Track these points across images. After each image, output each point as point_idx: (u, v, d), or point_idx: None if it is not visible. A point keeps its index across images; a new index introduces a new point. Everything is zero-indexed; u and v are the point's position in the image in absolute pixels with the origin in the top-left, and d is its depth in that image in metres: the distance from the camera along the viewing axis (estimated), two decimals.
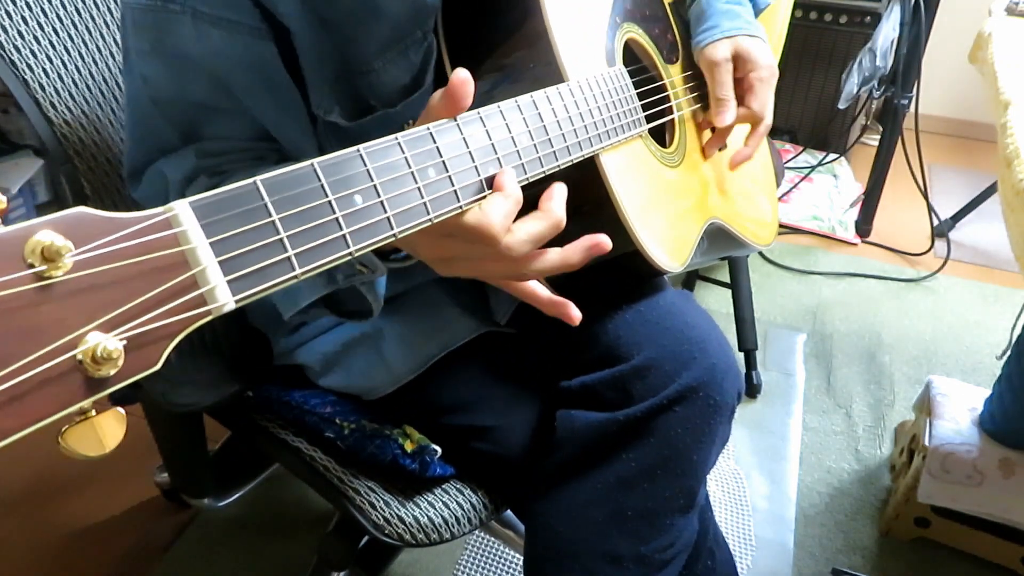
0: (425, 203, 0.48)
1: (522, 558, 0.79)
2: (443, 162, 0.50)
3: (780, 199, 2.40)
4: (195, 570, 1.25)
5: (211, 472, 1.07)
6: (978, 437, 1.25)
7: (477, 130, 0.53)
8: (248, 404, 0.89)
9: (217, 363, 0.82)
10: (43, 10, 0.78)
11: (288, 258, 0.39)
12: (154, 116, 0.67)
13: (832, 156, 2.51)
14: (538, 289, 0.61)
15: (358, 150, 0.44)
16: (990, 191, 2.24)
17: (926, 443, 1.26)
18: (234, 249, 0.36)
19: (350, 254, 0.42)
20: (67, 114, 0.80)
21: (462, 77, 0.50)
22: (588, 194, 0.68)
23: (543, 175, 0.59)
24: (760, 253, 2.18)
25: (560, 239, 0.60)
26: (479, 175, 0.52)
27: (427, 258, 0.58)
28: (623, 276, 0.78)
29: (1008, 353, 1.25)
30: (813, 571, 1.29)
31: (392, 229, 0.45)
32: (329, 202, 0.41)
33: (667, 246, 0.75)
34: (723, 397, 0.75)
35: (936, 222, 2.27)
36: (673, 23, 0.90)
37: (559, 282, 0.76)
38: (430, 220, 0.48)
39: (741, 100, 0.86)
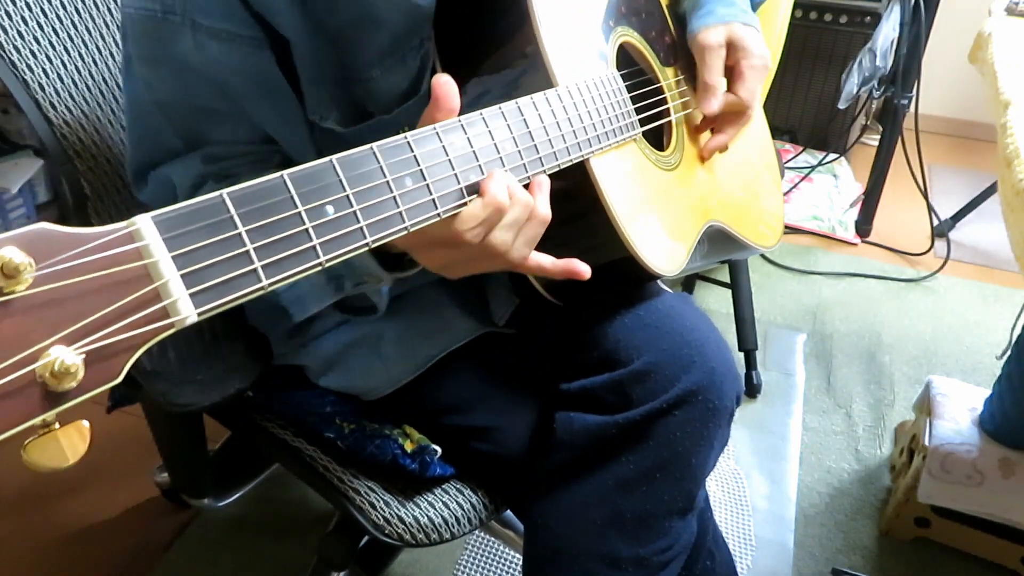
0: (401, 212, 0.48)
1: (522, 558, 0.79)
2: (421, 171, 0.49)
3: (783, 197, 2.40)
4: (195, 570, 1.25)
5: (211, 472, 1.08)
6: (978, 437, 1.25)
7: (458, 138, 0.53)
8: (248, 404, 0.89)
9: (217, 363, 0.82)
10: (43, 10, 0.78)
11: (255, 270, 0.39)
12: (156, 119, 0.67)
13: (832, 156, 2.51)
14: (543, 260, 0.61)
15: (330, 160, 0.44)
16: (990, 191, 2.24)
17: (926, 443, 1.26)
18: (197, 262, 0.37)
19: (320, 264, 0.42)
20: (67, 114, 0.80)
21: (442, 81, 0.51)
22: (580, 199, 0.68)
23: (528, 181, 0.59)
24: (760, 253, 2.18)
25: (556, 244, 0.62)
26: (459, 183, 0.52)
27: (430, 267, 0.59)
28: (621, 279, 0.77)
29: (1008, 353, 1.25)
30: (813, 571, 1.29)
31: (366, 238, 0.45)
32: (299, 213, 0.41)
33: (661, 249, 0.75)
34: (722, 401, 0.75)
35: (936, 222, 2.27)
36: (671, 25, 0.90)
37: (559, 285, 0.76)
38: (406, 229, 0.48)
39: (730, 88, 0.84)
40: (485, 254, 0.56)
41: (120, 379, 0.34)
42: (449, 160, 0.51)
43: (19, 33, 0.76)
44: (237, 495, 1.18)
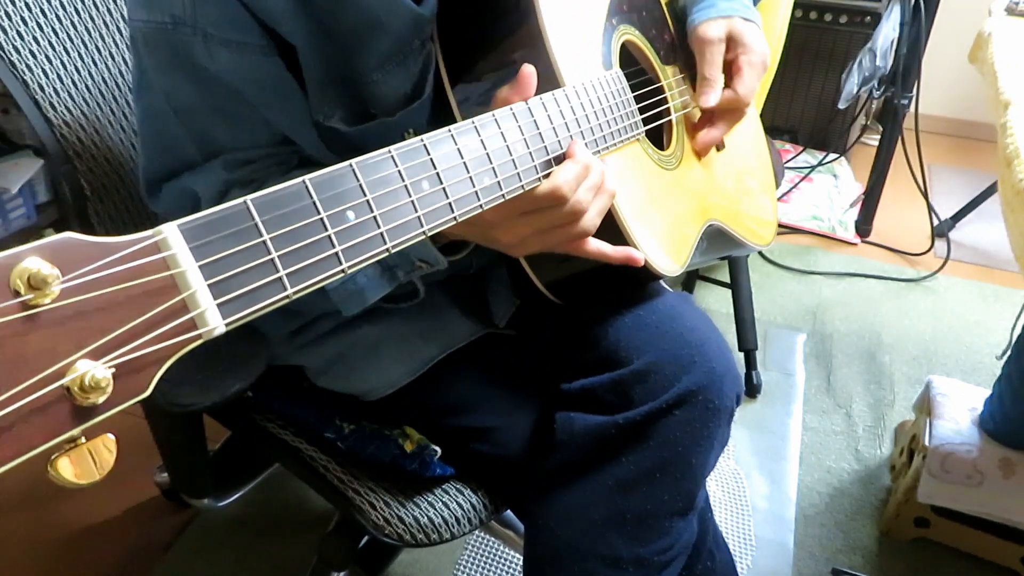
0: (419, 216, 0.47)
1: (522, 559, 0.79)
2: (437, 174, 0.49)
3: (780, 199, 2.40)
4: (195, 570, 1.25)
5: (211, 472, 1.07)
6: (978, 437, 1.25)
7: (472, 140, 0.53)
8: (248, 404, 0.89)
9: (217, 363, 0.82)
10: (43, 10, 0.78)
11: (280, 278, 0.39)
12: (175, 129, 0.67)
13: (832, 156, 2.51)
14: (603, 247, 0.65)
15: (350, 165, 0.44)
16: (990, 191, 2.24)
17: (926, 443, 1.26)
18: (224, 271, 0.36)
19: (343, 271, 0.42)
20: (67, 114, 0.80)
21: (528, 71, 0.57)
22: None
23: (539, 183, 0.59)
24: (760, 253, 2.18)
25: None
26: (474, 186, 0.52)
27: (505, 243, 0.62)
28: (622, 279, 0.78)
29: (1008, 353, 1.25)
30: (813, 571, 1.29)
31: (385, 244, 0.45)
32: (321, 219, 0.41)
33: (665, 250, 0.75)
34: (722, 401, 0.75)
35: (936, 222, 2.27)
36: (670, 23, 0.90)
37: (561, 284, 0.76)
38: (423, 233, 0.48)
39: (728, 83, 0.84)
40: (565, 220, 0.60)
41: (149, 392, 0.33)
42: (464, 163, 0.52)
43: (19, 33, 0.76)
44: (237, 495, 1.18)
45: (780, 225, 2.32)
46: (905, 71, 2.01)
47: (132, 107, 0.87)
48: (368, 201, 0.44)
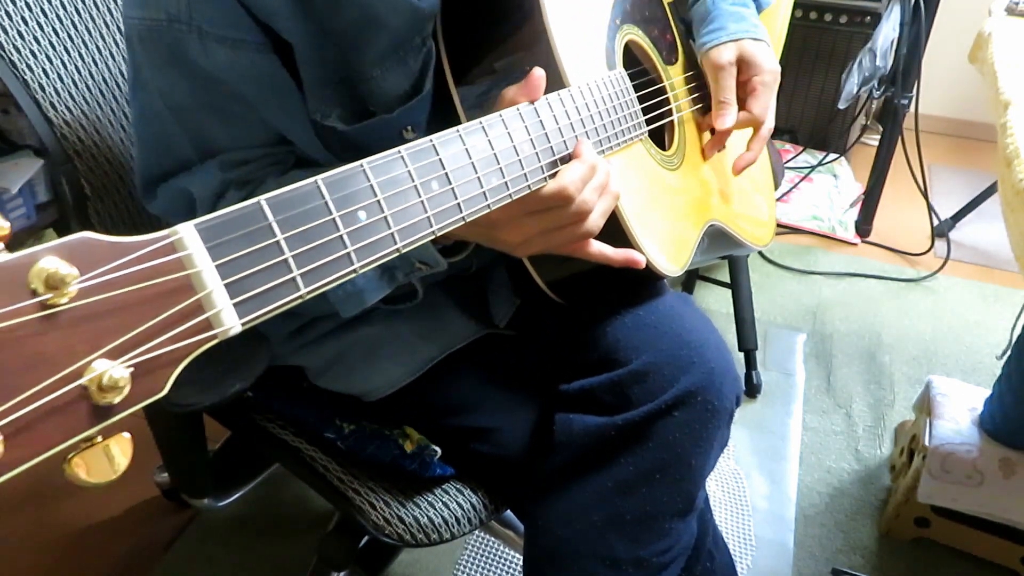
0: (429, 216, 0.48)
1: (522, 559, 0.79)
2: (446, 174, 0.49)
3: (780, 199, 2.40)
4: (195, 570, 1.25)
5: (211, 472, 1.07)
6: (978, 437, 1.25)
7: (480, 140, 0.53)
8: (248, 404, 0.89)
9: (216, 363, 0.82)
10: (43, 10, 0.78)
11: (293, 278, 0.39)
12: (170, 128, 0.67)
13: (832, 156, 2.51)
14: (605, 249, 0.66)
15: (361, 165, 0.44)
16: (990, 191, 2.24)
17: (926, 443, 1.26)
18: (240, 271, 0.36)
19: (354, 271, 0.42)
20: (67, 114, 0.80)
21: (538, 74, 0.58)
22: None
23: (545, 183, 0.59)
24: (760, 253, 2.18)
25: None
26: (482, 186, 0.52)
27: (510, 242, 0.62)
28: (622, 280, 0.78)
29: (1008, 353, 1.25)
30: (813, 571, 1.29)
31: (395, 244, 0.45)
32: (334, 219, 0.41)
33: (667, 250, 0.75)
34: (721, 402, 0.75)
35: (936, 222, 2.26)
36: (672, 23, 0.90)
37: (562, 283, 0.76)
38: (433, 233, 0.48)
39: (743, 104, 0.86)
40: (570, 220, 0.61)
41: (165, 392, 0.33)
42: (472, 163, 0.52)
43: (19, 33, 0.76)
44: (237, 495, 1.18)
45: (780, 225, 2.32)
46: (905, 71, 2.01)
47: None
48: (379, 201, 0.44)
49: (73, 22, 0.81)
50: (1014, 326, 1.28)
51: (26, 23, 0.76)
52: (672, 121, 0.85)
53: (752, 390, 1.67)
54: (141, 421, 0.96)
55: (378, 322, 0.81)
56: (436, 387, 0.81)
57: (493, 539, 1.30)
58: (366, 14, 0.63)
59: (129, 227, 0.85)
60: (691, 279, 1.91)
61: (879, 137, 2.20)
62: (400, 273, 0.70)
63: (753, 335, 1.67)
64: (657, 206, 0.76)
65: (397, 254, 0.45)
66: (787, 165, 2.49)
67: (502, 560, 1.27)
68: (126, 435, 0.33)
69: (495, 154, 0.54)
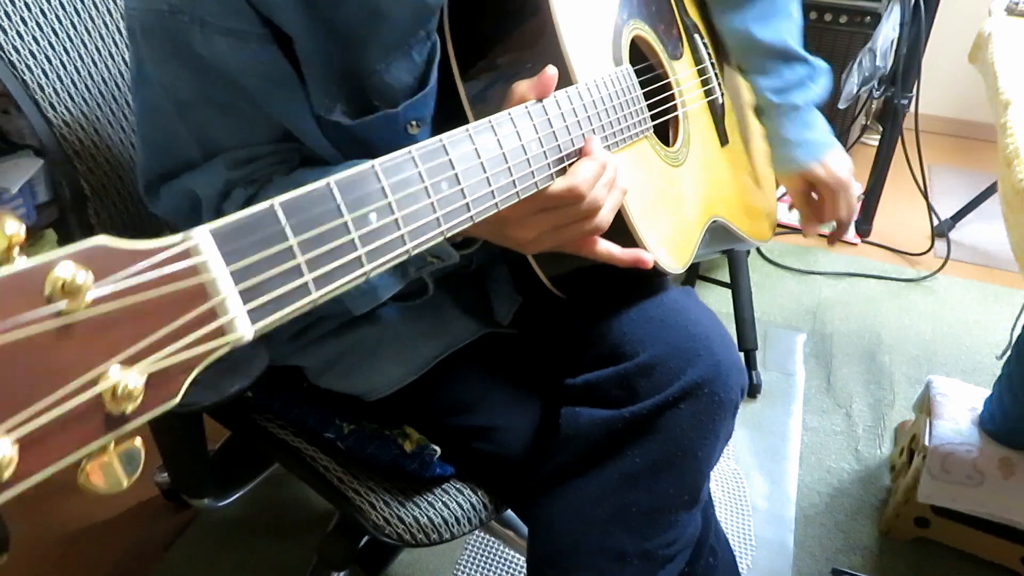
0: (438, 217, 0.47)
1: (522, 558, 0.79)
2: (456, 175, 0.49)
3: (780, 199, 2.39)
4: (195, 570, 1.25)
5: (211, 472, 1.07)
6: (978, 437, 1.25)
7: (488, 139, 0.53)
8: (248, 404, 0.89)
9: (216, 363, 0.82)
10: (43, 10, 0.78)
11: (305, 283, 0.38)
12: (173, 124, 0.66)
13: None
14: (612, 249, 0.67)
15: (373, 166, 0.43)
16: (990, 191, 2.24)
17: (926, 443, 1.25)
18: (253, 276, 0.36)
19: (365, 274, 0.42)
20: (67, 114, 0.80)
21: (551, 73, 0.59)
22: None
23: (552, 181, 0.59)
24: (760, 253, 2.18)
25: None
26: (490, 185, 0.52)
27: (519, 239, 0.63)
28: (625, 275, 0.78)
29: (1008, 353, 1.25)
30: (813, 571, 1.29)
31: (405, 245, 0.44)
32: (345, 222, 0.40)
33: (670, 247, 0.75)
34: (728, 394, 0.75)
35: (936, 222, 2.26)
36: (678, 18, 0.90)
37: (565, 278, 0.76)
38: (442, 234, 0.48)
39: (832, 213, 0.99)
40: (580, 216, 0.61)
41: (179, 399, 0.33)
42: (481, 163, 0.52)
43: (19, 33, 0.76)
44: (237, 495, 1.18)
45: (780, 225, 2.32)
46: (905, 71, 2.01)
47: (131, 106, 0.87)
48: (391, 203, 0.44)
49: (72, 22, 0.81)
50: (1014, 326, 1.28)
51: (25, 23, 0.76)
52: (676, 117, 0.85)
53: (752, 390, 1.67)
54: None
55: (379, 322, 0.80)
56: (437, 386, 0.81)
57: (493, 539, 1.30)
58: (369, 7, 0.63)
59: (129, 227, 0.85)
60: (691, 277, 1.91)
61: (879, 137, 2.20)
62: (412, 268, 0.70)
63: (753, 335, 1.67)
64: (661, 203, 0.76)
65: (407, 256, 0.45)
66: None
67: (502, 560, 1.27)
68: (138, 441, 0.33)
69: (503, 153, 0.54)
